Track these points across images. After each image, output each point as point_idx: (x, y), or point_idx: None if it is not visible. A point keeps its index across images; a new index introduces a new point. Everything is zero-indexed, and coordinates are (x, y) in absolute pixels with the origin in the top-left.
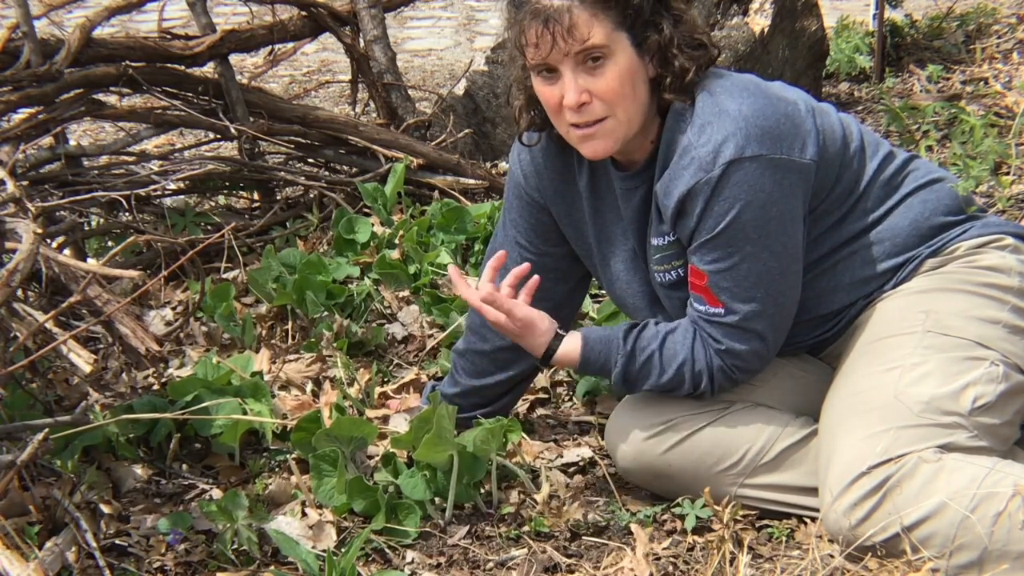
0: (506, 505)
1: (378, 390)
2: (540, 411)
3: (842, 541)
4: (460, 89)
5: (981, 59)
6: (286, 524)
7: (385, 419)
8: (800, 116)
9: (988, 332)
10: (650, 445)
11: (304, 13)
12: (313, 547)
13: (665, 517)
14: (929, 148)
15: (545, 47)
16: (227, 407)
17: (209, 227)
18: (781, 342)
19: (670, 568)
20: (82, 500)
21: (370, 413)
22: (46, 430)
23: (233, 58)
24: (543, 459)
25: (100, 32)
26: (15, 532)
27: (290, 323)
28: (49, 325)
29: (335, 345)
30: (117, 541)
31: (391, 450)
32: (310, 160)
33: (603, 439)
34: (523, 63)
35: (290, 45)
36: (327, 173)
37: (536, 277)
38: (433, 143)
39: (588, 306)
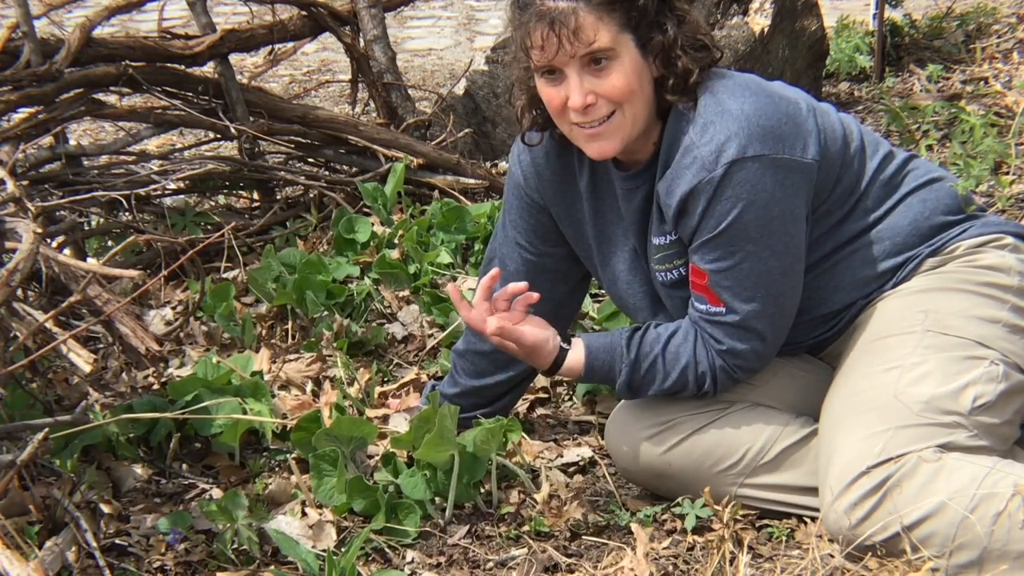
0: (506, 505)
1: (378, 390)
2: (540, 411)
3: (842, 541)
4: (460, 89)
5: (981, 59)
6: (286, 524)
7: (385, 419)
8: (802, 116)
9: (988, 331)
10: (650, 445)
11: (304, 13)
12: (313, 547)
13: (665, 517)
14: (929, 148)
15: (551, 49)
16: (227, 407)
17: (209, 227)
18: (782, 342)
19: (670, 568)
20: (82, 500)
21: (370, 413)
22: (46, 430)
23: (233, 58)
24: (543, 459)
25: (100, 32)
26: (15, 532)
27: (290, 323)
28: (49, 325)
29: (335, 345)
30: (117, 541)
31: (391, 450)
32: (310, 160)
33: (603, 439)
34: (526, 64)
35: (290, 45)
36: (327, 173)
37: (535, 295)
38: (433, 143)
39: (588, 306)
